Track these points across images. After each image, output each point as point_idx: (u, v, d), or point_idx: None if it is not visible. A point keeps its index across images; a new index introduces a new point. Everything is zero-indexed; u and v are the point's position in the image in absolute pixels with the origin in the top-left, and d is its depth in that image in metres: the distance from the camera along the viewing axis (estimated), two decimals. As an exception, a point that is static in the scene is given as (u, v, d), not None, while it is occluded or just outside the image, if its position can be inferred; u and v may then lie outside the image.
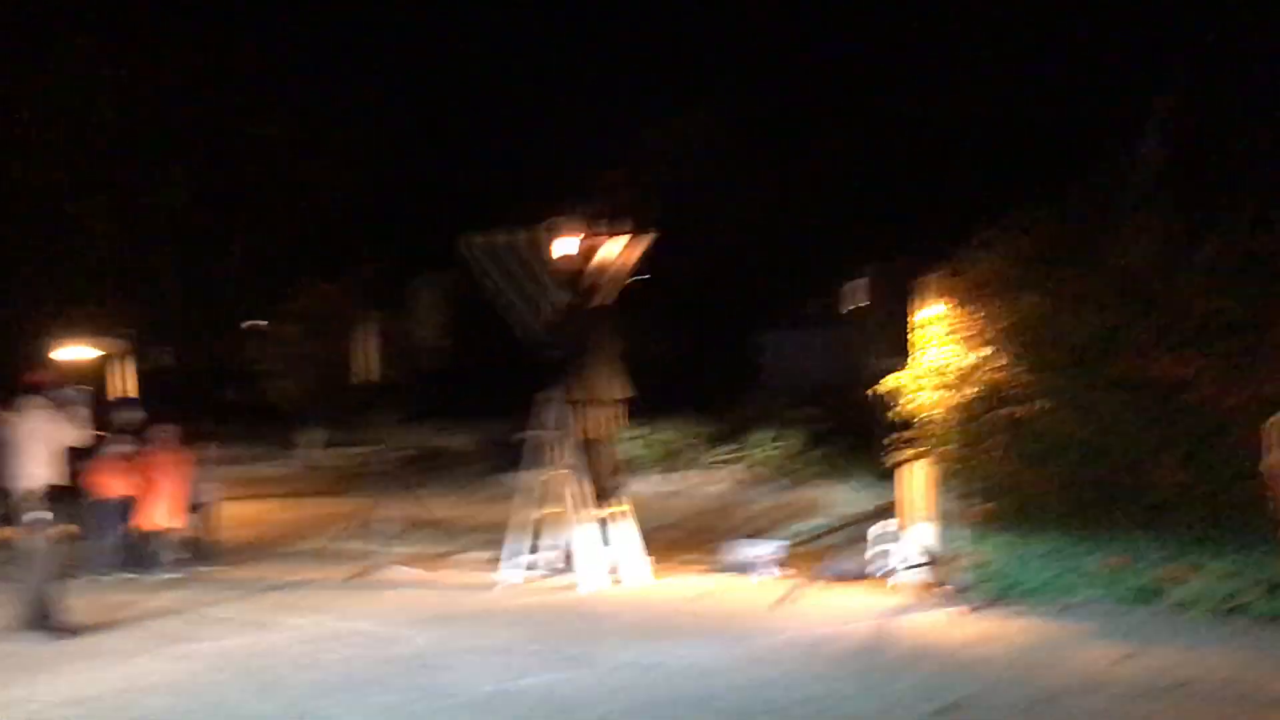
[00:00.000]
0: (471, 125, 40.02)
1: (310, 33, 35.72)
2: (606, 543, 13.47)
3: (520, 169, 36.34)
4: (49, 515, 10.71)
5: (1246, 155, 12.20)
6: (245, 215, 33.37)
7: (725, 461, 21.09)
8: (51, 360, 17.20)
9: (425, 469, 26.23)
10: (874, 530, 13.21)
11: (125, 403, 15.72)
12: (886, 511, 12.39)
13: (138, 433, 14.82)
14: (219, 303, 33.07)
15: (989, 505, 11.91)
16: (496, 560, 14.43)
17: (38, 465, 10.72)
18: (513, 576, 13.33)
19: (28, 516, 10.73)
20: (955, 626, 10.55)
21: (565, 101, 38.68)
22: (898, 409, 12.46)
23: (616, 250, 13.94)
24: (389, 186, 37.00)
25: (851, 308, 12.36)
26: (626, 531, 13.53)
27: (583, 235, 13.98)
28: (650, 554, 14.01)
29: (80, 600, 11.65)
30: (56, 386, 11.22)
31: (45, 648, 10.25)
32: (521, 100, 39.77)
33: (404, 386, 16.64)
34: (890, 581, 12.68)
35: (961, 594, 11.51)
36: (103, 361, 21.70)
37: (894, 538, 12.81)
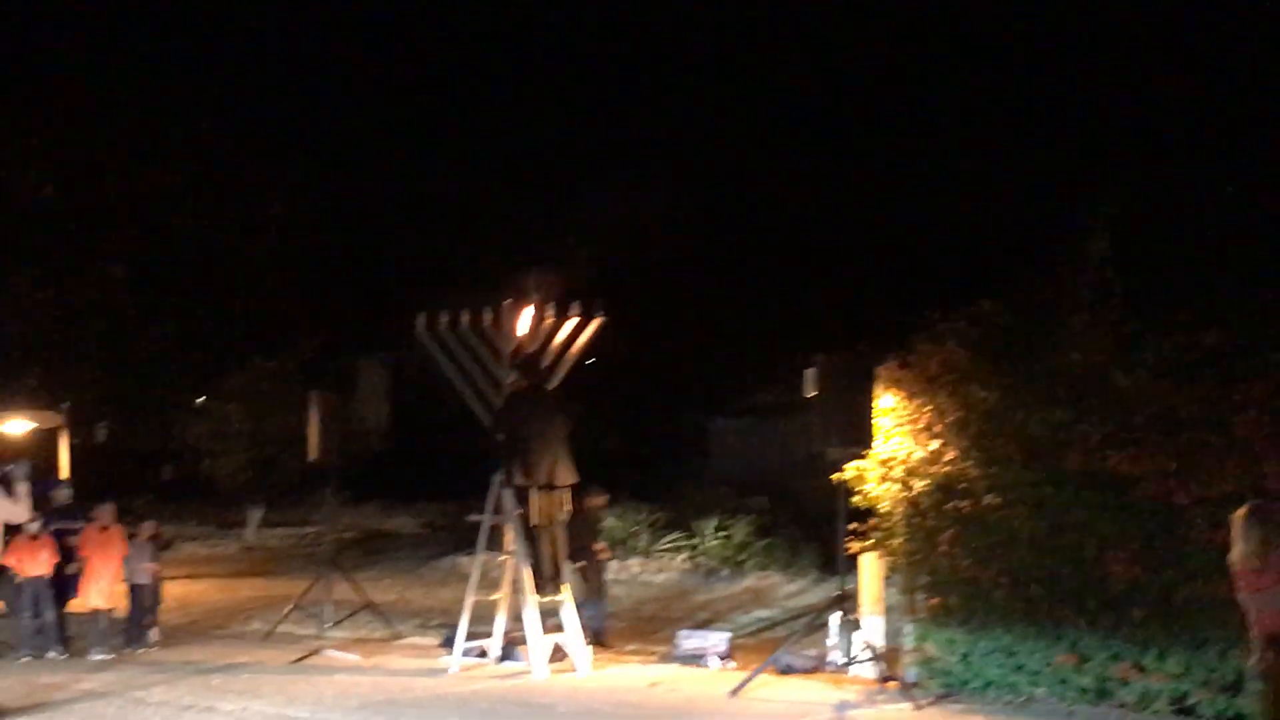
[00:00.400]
0: (410, 205, 40.02)
1: (248, 107, 35.65)
2: (555, 629, 13.35)
3: (464, 249, 36.42)
4: None
5: (1194, 252, 12.40)
6: (181, 290, 33.15)
7: (670, 550, 21.00)
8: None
9: (367, 551, 26.01)
10: (828, 622, 13.18)
11: (55, 482, 15.52)
12: (836, 604, 12.32)
13: (69, 510, 14.63)
14: (154, 378, 32.74)
15: (937, 600, 11.89)
16: (440, 645, 14.32)
17: None
18: (459, 662, 13.17)
19: None
20: (903, 723, 10.49)
21: (513, 180, 38.77)
22: (851, 500, 12.45)
23: (564, 333, 13.96)
24: (329, 263, 36.92)
25: (807, 395, 12.36)
26: (569, 619, 13.41)
27: (534, 318, 14.02)
28: (591, 643, 13.90)
29: (13, 680, 11.43)
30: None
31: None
32: (467, 177, 39.84)
33: (346, 467, 16.49)
34: (839, 675, 12.63)
35: (910, 689, 11.45)
36: (38, 436, 21.43)
37: (845, 630, 12.76)
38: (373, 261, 38.64)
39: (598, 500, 15.23)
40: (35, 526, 13.92)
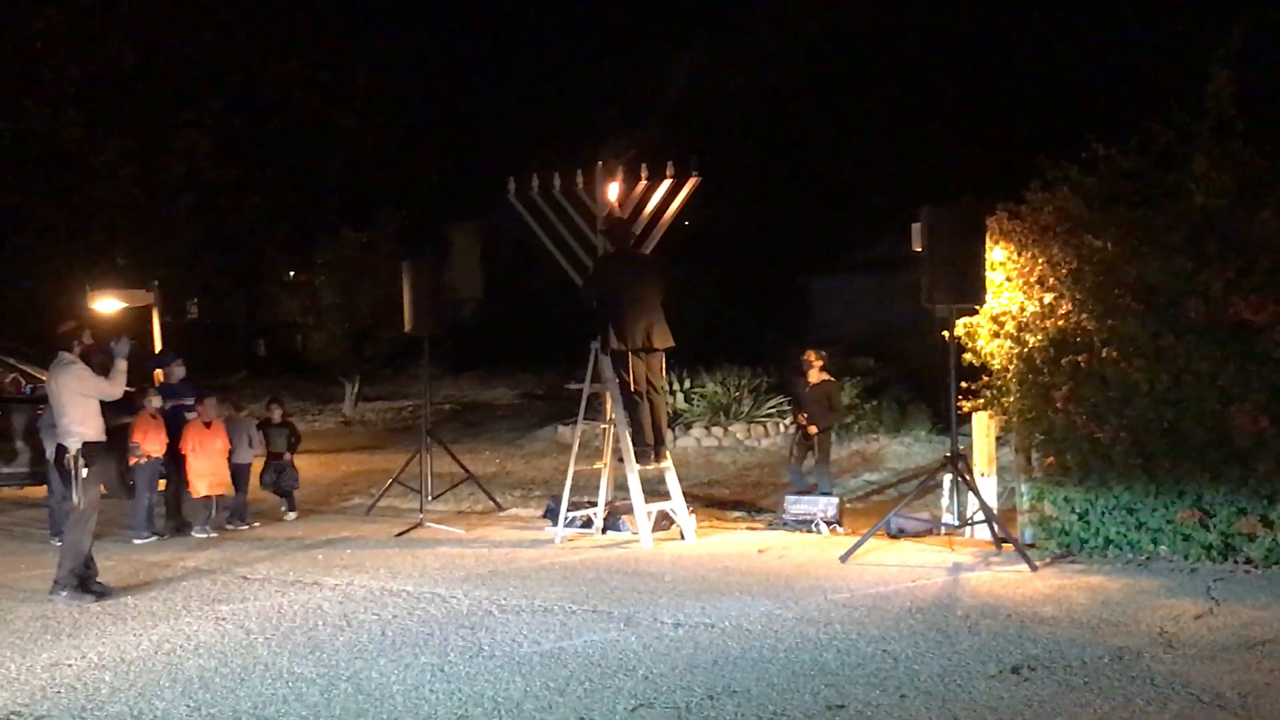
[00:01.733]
0: (504, 65, 39.79)
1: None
2: (658, 498, 13.49)
3: (556, 112, 36.18)
4: (88, 473, 10.74)
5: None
6: (269, 162, 33.37)
7: (773, 414, 21.04)
8: (84, 313, 17.28)
9: (466, 423, 26.34)
10: (940, 484, 13.19)
11: (170, 356, 15.75)
12: (948, 465, 12.30)
13: (181, 388, 14.89)
14: (244, 253, 33.14)
15: (1053, 458, 11.83)
16: (542, 516, 14.53)
17: (75, 422, 10.76)
18: (562, 533, 13.37)
19: (69, 475, 10.79)
20: (1019, 585, 10.51)
21: (603, 40, 38.36)
22: (961, 357, 12.36)
23: (659, 196, 13.91)
24: (418, 130, 36.93)
25: (914, 250, 12.21)
26: (673, 487, 13.53)
27: (627, 180, 13.98)
28: (697, 511, 14.04)
29: (116, 561, 11.76)
30: (92, 339, 11.23)
31: (83, 609, 10.34)
32: (558, 39, 39.49)
33: (441, 338, 16.65)
34: (952, 537, 12.66)
35: (1026, 550, 11.46)
36: (129, 314, 21.83)
37: (957, 492, 12.77)
38: (463, 127, 38.58)
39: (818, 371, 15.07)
40: (157, 403, 14.21)
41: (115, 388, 10.96)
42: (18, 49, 31.10)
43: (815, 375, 14.96)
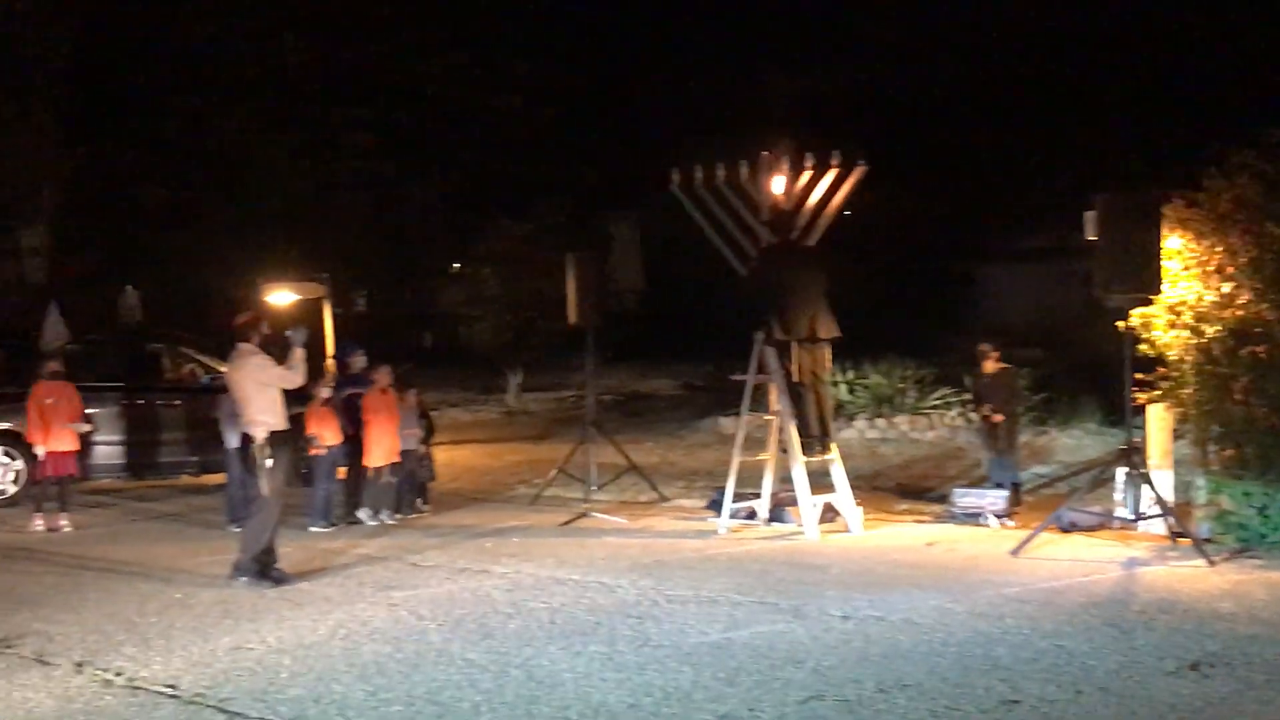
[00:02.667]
0: (665, 55, 39.80)
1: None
2: (822, 489, 13.46)
3: (717, 103, 36.13)
4: (272, 462, 11.01)
5: None
6: (433, 156, 33.88)
7: (939, 406, 20.82)
8: (259, 305, 17.71)
9: (627, 413, 26.48)
10: (1113, 477, 12.97)
11: (351, 346, 16.08)
12: (1122, 457, 12.07)
13: (361, 377, 15.16)
14: (409, 246, 33.70)
15: (1232, 451, 11.58)
16: (706, 508, 14.56)
17: (259, 411, 11.03)
18: (727, 524, 13.40)
19: (254, 464, 11.09)
20: (1195, 580, 10.31)
21: (765, 29, 38.20)
22: (1136, 349, 12.12)
23: (824, 186, 13.83)
24: (578, 121, 37.18)
25: (1087, 238, 12.00)
26: (839, 479, 13.48)
27: (792, 171, 13.93)
28: (862, 503, 13.96)
29: (293, 548, 12.06)
30: (270, 330, 11.49)
31: (262, 595, 10.62)
32: (719, 28, 39.41)
33: (602, 329, 16.80)
34: (1126, 532, 12.44)
35: (1203, 545, 11.21)
36: (301, 307, 22.34)
37: (1132, 485, 12.53)
38: (623, 118, 38.75)
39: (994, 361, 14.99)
40: (326, 393, 14.52)
41: (295, 376, 11.21)
42: (191, 48, 32.02)
43: (991, 365, 14.81)
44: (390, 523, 14.39)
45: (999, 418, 14.58)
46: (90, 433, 15.41)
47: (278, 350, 11.38)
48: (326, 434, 14.26)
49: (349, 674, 8.10)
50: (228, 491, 14.51)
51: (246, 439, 11.20)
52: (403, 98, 33.72)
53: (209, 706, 7.49)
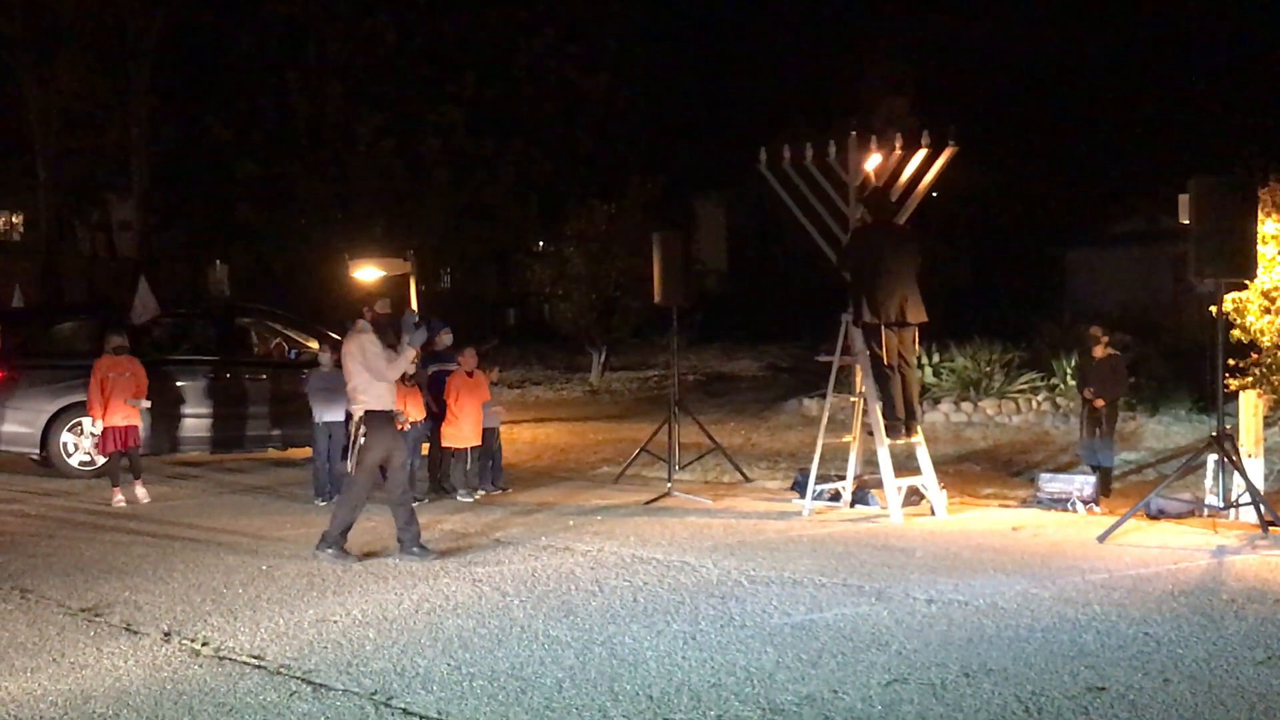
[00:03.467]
0: (754, 35, 39.66)
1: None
2: (907, 473, 13.40)
3: (806, 82, 35.97)
4: (365, 440, 11.04)
5: None
6: (521, 134, 33.96)
7: (1026, 390, 20.63)
8: (347, 281, 17.82)
9: (710, 394, 26.48)
10: (1203, 464, 12.80)
11: (438, 324, 16.17)
12: (1212, 444, 11.90)
13: (448, 354, 15.24)
14: (496, 223, 33.83)
15: (1326, 439, 11.40)
16: (789, 489, 14.55)
17: (358, 390, 11.07)
18: (810, 505, 13.37)
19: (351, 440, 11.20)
20: (1288, 570, 10.14)
21: (857, 6, 37.96)
22: (1229, 334, 11.95)
23: (913, 167, 13.75)
24: (667, 101, 37.16)
25: (1181, 222, 11.85)
26: (924, 462, 13.40)
27: (881, 150, 13.85)
28: (947, 486, 13.87)
29: (377, 521, 12.17)
30: (386, 309, 11.55)
31: (345, 568, 10.73)
32: (811, 6, 39.21)
33: (687, 309, 16.82)
34: (1216, 520, 12.27)
35: (1295, 535, 11.05)
36: (386, 283, 22.49)
37: (1222, 473, 12.36)
38: (712, 97, 38.68)
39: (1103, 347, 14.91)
40: (410, 370, 14.62)
41: (391, 371, 11.18)
42: (282, 25, 32.31)
43: (1100, 350, 14.67)
44: (468, 500, 14.49)
45: (1100, 402, 14.44)
46: (149, 409, 15.29)
47: (392, 333, 11.38)
48: (411, 410, 14.36)
49: (432, 648, 8.16)
50: (314, 466, 14.68)
51: (349, 415, 11.31)
52: (493, 75, 33.83)
53: (294, 678, 7.57)
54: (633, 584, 9.96)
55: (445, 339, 15.46)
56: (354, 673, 7.67)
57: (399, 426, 14.13)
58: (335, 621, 8.92)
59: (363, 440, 11.02)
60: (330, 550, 11.03)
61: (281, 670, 7.74)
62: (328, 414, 14.63)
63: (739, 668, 7.60)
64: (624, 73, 35.43)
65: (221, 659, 8.03)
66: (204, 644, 8.36)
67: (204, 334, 18.30)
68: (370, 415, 11.06)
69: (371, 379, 11.06)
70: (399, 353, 11.17)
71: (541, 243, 32.58)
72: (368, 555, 11.19)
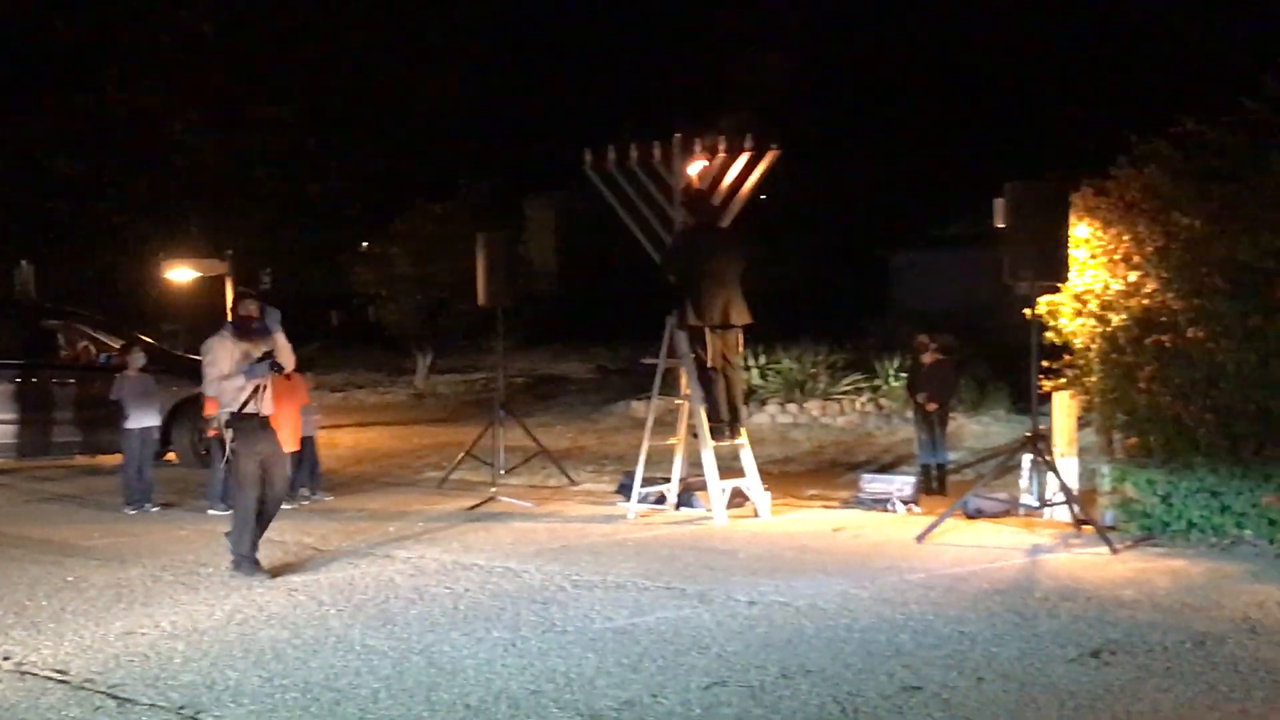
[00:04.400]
0: (585, 37, 39.72)
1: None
2: (732, 474, 13.50)
3: (637, 86, 36.13)
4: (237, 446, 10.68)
5: None
6: (347, 132, 33.55)
7: (850, 392, 20.96)
8: (160, 282, 17.44)
9: (539, 397, 26.44)
10: (1019, 464, 13.11)
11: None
12: (1028, 445, 12.20)
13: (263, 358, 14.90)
14: (320, 223, 33.35)
15: (1136, 439, 11.73)
16: (615, 492, 14.57)
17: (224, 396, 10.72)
18: (635, 508, 13.40)
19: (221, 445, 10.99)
20: (1099, 567, 10.42)
21: (681, 15, 38.20)
22: (1043, 336, 12.25)
23: (737, 170, 13.86)
24: (498, 101, 36.99)
25: (996, 226, 12.12)
26: (748, 464, 13.52)
27: (706, 153, 13.94)
28: (771, 488, 14.01)
29: (189, 531, 11.93)
30: (250, 311, 11.03)
31: (154, 578, 10.47)
32: (640, 10, 39.37)
33: (516, 311, 16.76)
34: (1031, 519, 12.57)
35: (1107, 533, 11.35)
36: (202, 284, 22.07)
37: (1037, 472, 12.67)
38: (543, 99, 38.59)
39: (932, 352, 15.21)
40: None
41: (207, 384, 10.81)
42: (99, 18, 31.46)
43: (929, 356, 15.00)
44: (287, 507, 14.24)
45: (933, 406, 14.76)
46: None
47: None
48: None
49: (244, 660, 8.00)
50: (124, 473, 14.33)
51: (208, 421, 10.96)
52: (318, 71, 33.35)
53: (99, 692, 7.37)
54: (453, 591, 9.89)
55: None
56: (161, 687, 7.48)
57: (211, 433, 13.87)
58: (143, 634, 8.71)
59: (233, 447, 10.67)
60: (244, 571, 10.58)
61: (86, 685, 7.53)
62: (139, 419, 14.29)
63: (559, 674, 7.58)
64: (454, 72, 35.16)
65: (23, 674, 7.79)
66: (5, 658, 8.11)
67: (7, 336, 17.71)
68: (235, 420, 10.68)
69: (225, 383, 10.65)
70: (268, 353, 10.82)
71: (367, 243, 32.19)
72: (182, 564, 10.95)
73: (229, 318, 11.08)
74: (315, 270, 33.71)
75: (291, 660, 7.99)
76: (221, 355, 10.68)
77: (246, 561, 10.65)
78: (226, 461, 10.98)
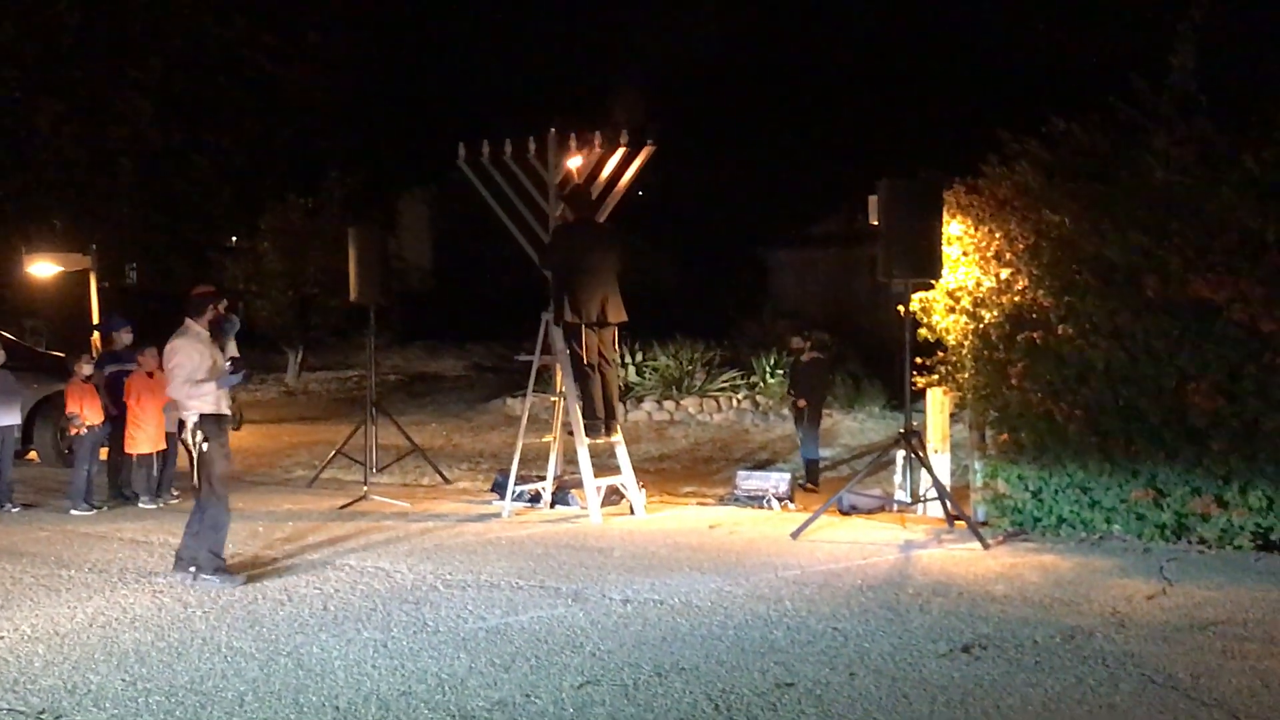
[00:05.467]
0: (459, 29, 39.49)
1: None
2: (608, 472, 13.52)
3: (512, 79, 36.02)
4: (208, 447, 10.37)
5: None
6: (214, 125, 33.04)
7: (727, 389, 21.08)
8: (20, 277, 17.05)
9: (413, 394, 26.28)
10: (892, 460, 13.27)
11: (119, 322, 15.49)
12: (901, 441, 12.34)
13: (126, 354, 14.68)
14: (186, 217, 32.83)
15: (1007, 435, 11.90)
16: (490, 490, 14.53)
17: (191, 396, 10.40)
18: (510, 507, 13.36)
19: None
20: (971, 563, 10.58)
21: (557, 10, 38.16)
22: (917, 333, 12.41)
23: (613, 165, 13.88)
24: (370, 93, 36.64)
25: (871, 223, 12.26)
26: (624, 461, 13.55)
27: (581, 148, 13.94)
28: (647, 485, 14.05)
29: (51, 531, 11.68)
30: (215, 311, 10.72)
31: (14, 580, 10.25)
32: (511, 7, 39.26)
33: (389, 307, 16.64)
34: (905, 515, 12.73)
35: (979, 529, 11.53)
36: (65, 279, 21.62)
37: (910, 469, 12.83)
38: (416, 90, 38.30)
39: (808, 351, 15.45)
40: (88, 370, 14.07)
41: (176, 387, 10.53)
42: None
43: (806, 355, 15.22)
44: (150, 507, 14.03)
45: (803, 403, 15.02)
46: None
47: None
48: (88, 413, 13.87)
49: (107, 663, 7.85)
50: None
51: (181, 423, 10.62)
52: (183, 63, 32.80)
53: (-47, 699, 7.20)
54: (323, 591, 9.79)
55: (124, 338, 14.92)
56: (21, 691, 7.33)
57: (73, 431, 13.64)
58: (2, 637, 8.51)
59: (205, 448, 10.39)
60: (211, 575, 10.23)
61: (-61, 692, 7.35)
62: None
63: (430, 674, 7.53)
64: (324, 63, 34.78)
65: None
66: None
67: None
68: (205, 420, 10.35)
69: (197, 387, 10.32)
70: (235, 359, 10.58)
71: (235, 238, 31.76)
72: (43, 566, 10.72)
73: (191, 315, 10.55)
74: (182, 265, 33.15)
75: (155, 663, 7.85)
76: (194, 357, 10.31)
77: (224, 567, 10.37)
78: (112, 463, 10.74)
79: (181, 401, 10.41)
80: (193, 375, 10.23)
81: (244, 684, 7.41)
